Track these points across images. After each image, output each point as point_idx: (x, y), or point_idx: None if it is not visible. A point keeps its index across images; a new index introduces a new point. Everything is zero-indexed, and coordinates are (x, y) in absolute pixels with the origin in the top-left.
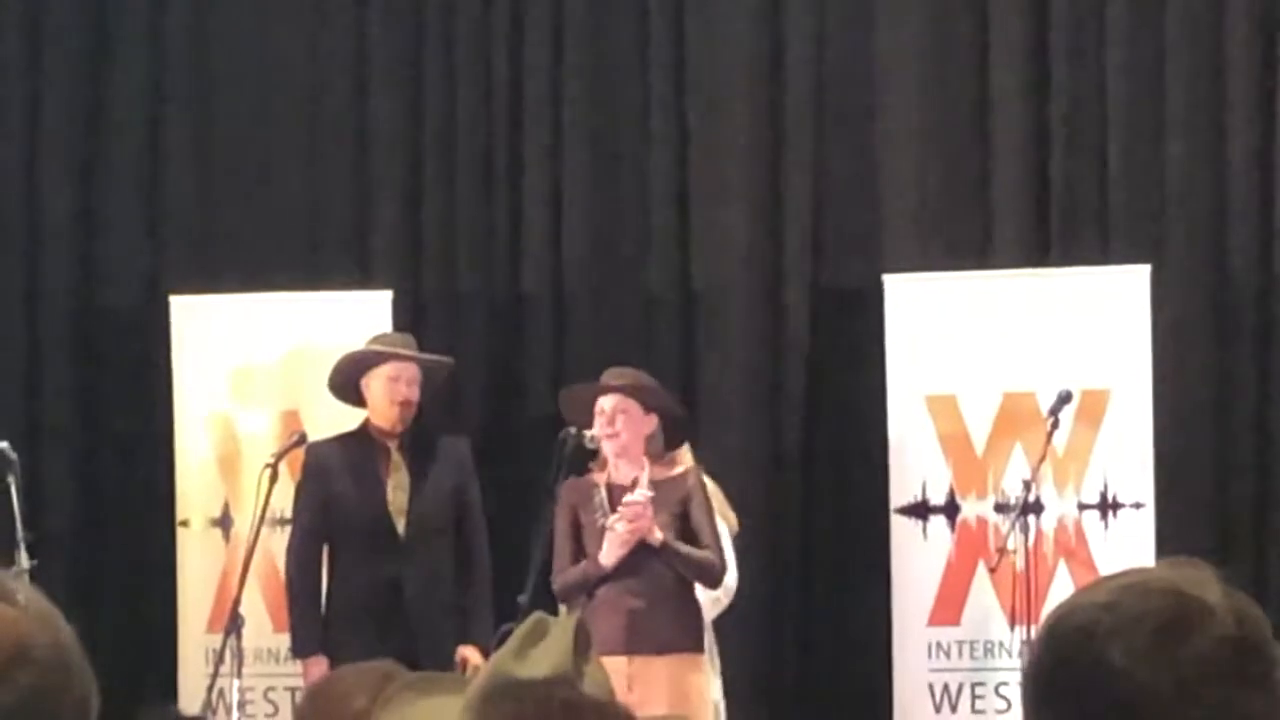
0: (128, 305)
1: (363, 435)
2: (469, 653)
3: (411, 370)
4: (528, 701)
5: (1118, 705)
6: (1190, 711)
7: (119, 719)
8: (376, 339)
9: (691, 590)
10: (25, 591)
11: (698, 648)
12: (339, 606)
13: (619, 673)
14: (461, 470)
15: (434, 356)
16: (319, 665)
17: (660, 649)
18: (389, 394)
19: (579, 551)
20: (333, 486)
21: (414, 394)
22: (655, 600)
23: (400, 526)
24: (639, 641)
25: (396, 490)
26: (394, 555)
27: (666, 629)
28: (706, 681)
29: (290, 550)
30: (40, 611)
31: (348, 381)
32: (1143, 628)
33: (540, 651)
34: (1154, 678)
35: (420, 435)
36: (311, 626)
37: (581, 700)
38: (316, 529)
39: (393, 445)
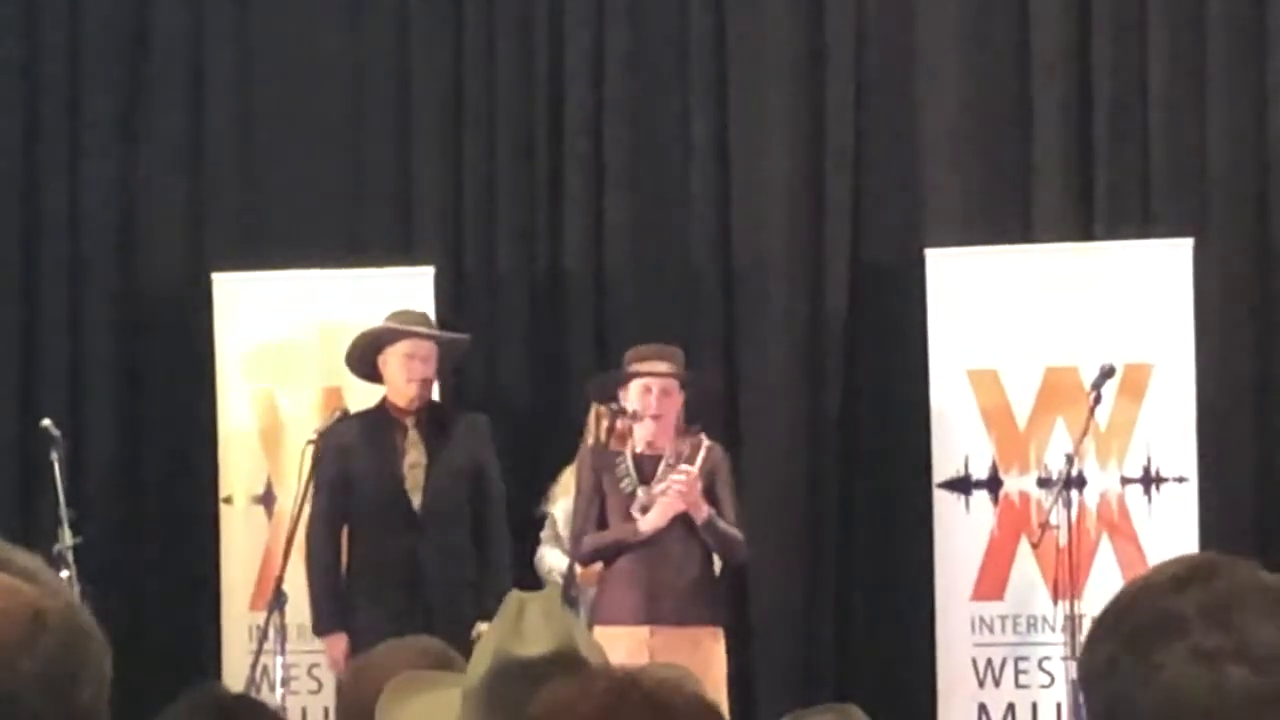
0: (170, 282)
1: (380, 412)
2: (486, 628)
3: (428, 347)
4: (588, 682)
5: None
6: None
7: (162, 696)
8: (393, 316)
9: (711, 563)
10: (29, 561)
11: (718, 620)
12: (358, 583)
13: (640, 643)
14: (480, 446)
15: (450, 334)
16: (340, 642)
17: (682, 620)
18: (405, 371)
19: (602, 518)
20: (350, 464)
21: (430, 371)
22: (678, 572)
23: (417, 503)
24: (661, 613)
25: (413, 467)
26: (411, 531)
27: (689, 601)
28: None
29: (309, 528)
30: (49, 581)
31: (364, 359)
32: (1177, 567)
33: (532, 628)
34: (1192, 605)
35: (437, 412)
36: (331, 604)
37: (636, 678)
38: (334, 507)
39: (410, 422)
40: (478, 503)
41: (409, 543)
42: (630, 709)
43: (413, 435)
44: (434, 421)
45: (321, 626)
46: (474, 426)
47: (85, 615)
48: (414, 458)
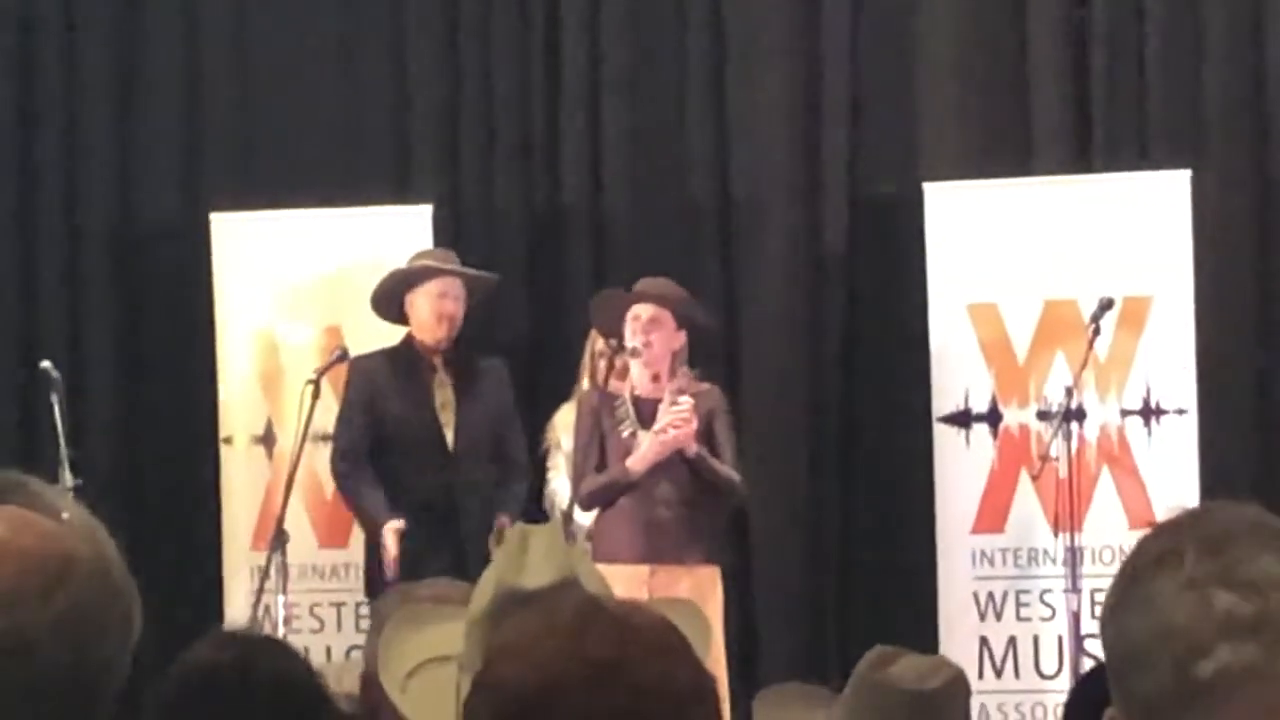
0: (168, 223)
1: (408, 350)
2: (504, 520)
3: (457, 286)
4: (553, 609)
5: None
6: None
7: (165, 637)
8: (421, 255)
9: (713, 502)
10: (69, 507)
11: (717, 559)
12: None
13: (640, 581)
14: (502, 390)
15: (479, 271)
16: (398, 527)
17: (681, 559)
18: (436, 310)
19: (602, 461)
20: (382, 400)
21: (459, 310)
22: (678, 511)
23: (450, 441)
24: (661, 551)
25: (444, 406)
26: (445, 468)
27: (688, 540)
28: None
29: (337, 451)
30: (84, 526)
31: (393, 298)
32: (1182, 512)
33: (535, 561)
34: (1190, 542)
35: (463, 353)
36: (378, 500)
37: (601, 602)
38: (365, 430)
39: (438, 361)
40: (501, 446)
41: (443, 479)
42: (596, 633)
43: (441, 375)
44: (460, 362)
45: (375, 519)
46: (494, 370)
47: (117, 567)
48: (444, 397)
